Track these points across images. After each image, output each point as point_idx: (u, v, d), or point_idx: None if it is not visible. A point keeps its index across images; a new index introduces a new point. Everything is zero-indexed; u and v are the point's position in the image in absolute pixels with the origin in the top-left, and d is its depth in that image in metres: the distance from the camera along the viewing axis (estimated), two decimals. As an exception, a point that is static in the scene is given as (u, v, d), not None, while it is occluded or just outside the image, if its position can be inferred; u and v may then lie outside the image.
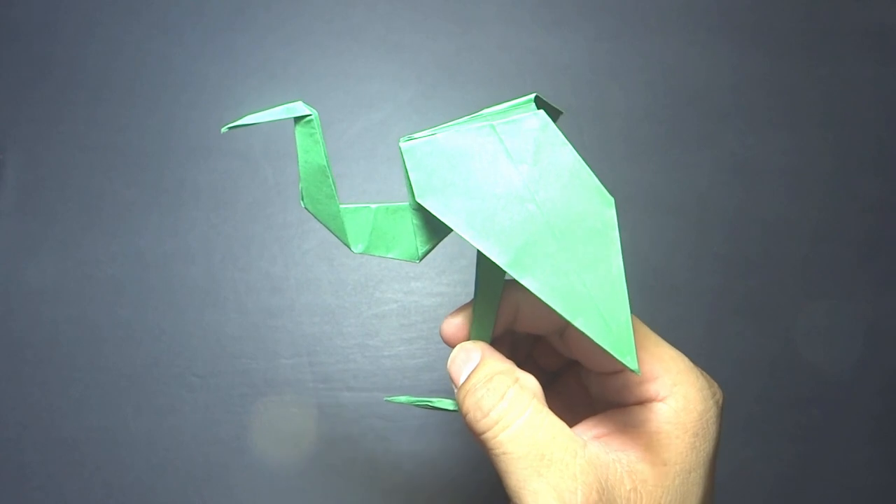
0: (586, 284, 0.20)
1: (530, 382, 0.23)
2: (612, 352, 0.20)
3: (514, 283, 0.25)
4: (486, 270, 0.23)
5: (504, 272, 0.23)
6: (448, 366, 0.25)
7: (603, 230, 0.20)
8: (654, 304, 0.39)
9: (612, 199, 0.20)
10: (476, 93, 0.43)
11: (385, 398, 0.30)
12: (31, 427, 0.37)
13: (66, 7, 0.44)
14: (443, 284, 0.40)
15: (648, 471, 0.22)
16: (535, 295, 0.20)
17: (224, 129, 0.21)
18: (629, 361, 0.20)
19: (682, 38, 0.44)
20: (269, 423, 0.37)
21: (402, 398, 0.28)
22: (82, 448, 0.37)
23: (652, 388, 0.23)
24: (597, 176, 0.20)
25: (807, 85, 0.44)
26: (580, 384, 0.28)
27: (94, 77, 0.43)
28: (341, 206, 0.22)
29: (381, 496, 0.36)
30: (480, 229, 0.20)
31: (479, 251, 0.22)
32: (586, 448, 0.22)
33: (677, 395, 0.23)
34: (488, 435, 0.22)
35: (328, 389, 0.38)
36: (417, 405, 0.28)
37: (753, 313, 0.39)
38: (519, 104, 0.21)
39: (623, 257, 0.20)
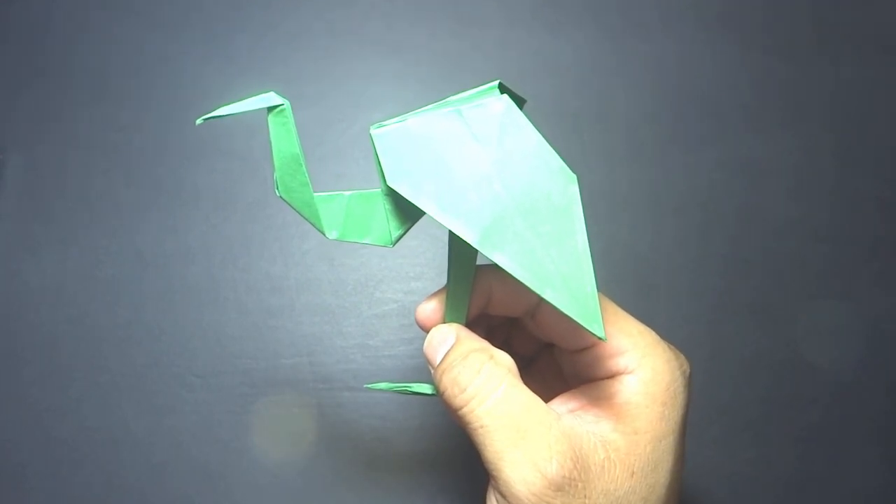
0: (553, 258, 0.21)
1: (505, 359, 0.24)
2: (579, 320, 0.21)
3: (486, 268, 0.26)
4: (458, 252, 0.24)
5: (475, 254, 0.24)
6: (424, 348, 0.26)
7: (567, 206, 0.21)
8: (655, 304, 0.39)
9: (574, 177, 0.21)
10: (476, 92, 0.43)
11: (365, 385, 0.30)
12: (31, 427, 0.37)
13: (65, 7, 0.44)
14: (443, 284, 0.39)
15: (621, 440, 0.23)
16: (504, 270, 0.20)
17: (199, 121, 0.22)
18: (596, 329, 0.21)
19: (683, 38, 0.44)
20: (269, 423, 0.37)
21: (382, 385, 0.29)
22: (82, 448, 0.37)
23: (621, 362, 0.24)
24: (560, 156, 0.21)
25: (809, 85, 0.44)
26: (554, 365, 0.28)
27: (93, 77, 0.43)
28: (315, 194, 0.23)
29: (381, 496, 0.36)
30: (450, 210, 0.20)
31: (450, 233, 0.23)
32: (560, 420, 0.23)
33: (645, 367, 0.24)
34: (465, 410, 0.23)
35: (328, 389, 0.38)
36: (396, 391, 0.28)
37: (755, 313, 0.39)
38: (484, 90, 0.22)
39: (588, 232, 0.21)
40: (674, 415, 0.24)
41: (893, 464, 0.37)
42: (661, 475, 0.23)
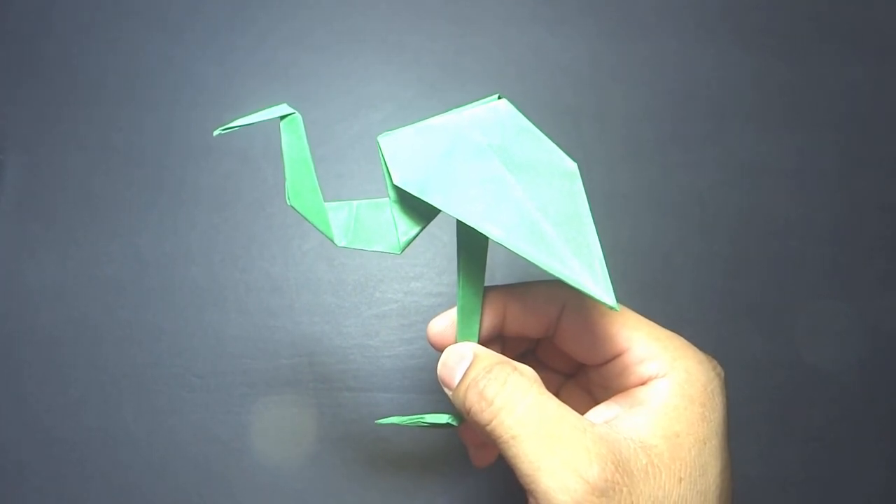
0: (559, 233, 0.21)
1: (528, 370, 0.23)
2: (590, 292, 0.20)
3: (498, 288, 0.25)
4: (466, 259, 0.24)
5: (484, 260, 0.24)
6: (439, 370, 0.25)
7: (570, 186, 0.21)
8: (654, 304, 0.39)
9: (574, 163, 0.21)
10: (476, 93, 0.42)
11: (376, 422, 0.30)
12: (31, 427, 0.37)
13: (66, 6, 0.44)
14: (443, 284, 0.40)
15: (662, 444, 0.22)
16: (506, 247, 0.21)
17: (216, 133, 0.22)
18: (607, 298, 0.20)
19: (683, 37, 0.44)
20: (269, 423, 0.37)
21: (393, 419, 0.28)
22: (82, 448, 0.37)
23: (653, 367, 0.23)
24: (564, 151, 0.21)
25: (808, 85, 0.44)
26: (577, 393, 0.28)
27: (94, 77, 0.43)
28: (325, 203, 0.23)
29: (381, 496, 0.36)
30: (455, 199, 0.21)
31: (458, 243, 0.24)
32: (595, 427, 0.22)
33: (678, 369, 0.23)
34: (495, 423, 0.22)
35: (328, 389, 0.38)
36: (410, 424, 0.28)
37: (756, 314, 0.39)
38: (484, 100, 0.23)
39: (592, 210, 0.21)
40: (714, 416, 0.23)
41: (893, 464, 0.37)
42: (711, 481, 0.22)
